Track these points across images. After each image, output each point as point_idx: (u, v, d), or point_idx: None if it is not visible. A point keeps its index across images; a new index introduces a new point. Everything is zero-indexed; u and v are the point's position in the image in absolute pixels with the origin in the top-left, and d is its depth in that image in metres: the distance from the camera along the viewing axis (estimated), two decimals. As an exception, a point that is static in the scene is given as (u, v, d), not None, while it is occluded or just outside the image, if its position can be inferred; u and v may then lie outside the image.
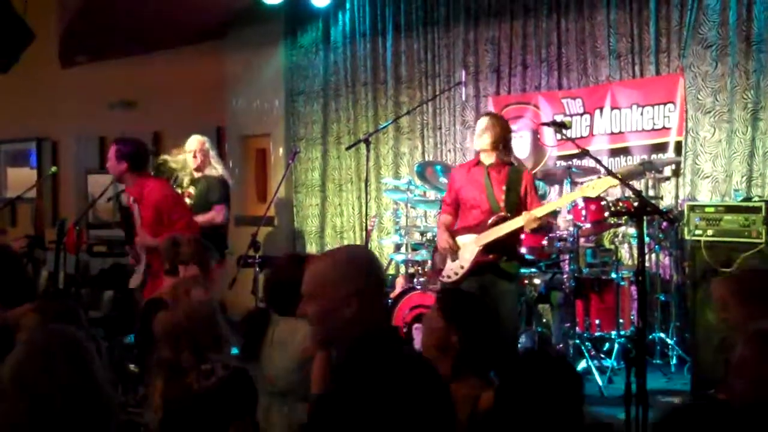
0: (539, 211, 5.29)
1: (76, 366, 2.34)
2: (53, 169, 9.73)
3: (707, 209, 5.73)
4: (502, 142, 5.53)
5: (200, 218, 6.42)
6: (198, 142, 7.02)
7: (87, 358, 2.38)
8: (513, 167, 5.57)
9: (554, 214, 7.09)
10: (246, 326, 3.92)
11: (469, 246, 5.45)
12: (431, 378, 2.25)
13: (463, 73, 8.04)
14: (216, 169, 7.01)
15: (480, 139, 5.54)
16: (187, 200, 6.74)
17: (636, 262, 5.21)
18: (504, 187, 5.43)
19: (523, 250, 6.68)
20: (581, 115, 7.60)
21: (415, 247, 7.16)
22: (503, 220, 5.34)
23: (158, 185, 5.91)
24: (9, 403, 2.29)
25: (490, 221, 5.38)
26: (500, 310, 5.21)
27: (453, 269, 5.51)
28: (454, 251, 5.51)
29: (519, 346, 6.41)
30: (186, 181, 6.99)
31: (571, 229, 6.38)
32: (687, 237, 5.93)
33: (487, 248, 5.37)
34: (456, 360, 3.15)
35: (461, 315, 3.20)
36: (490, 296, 5.27)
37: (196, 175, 6.95)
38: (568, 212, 6.62)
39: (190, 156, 6.91)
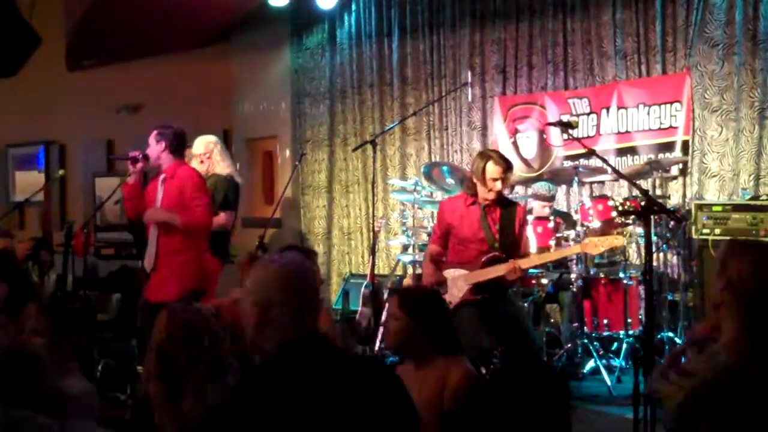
0: (525, 263, 5.30)
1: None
2: (60, 172, 9.77)
3: (715, 208, 5.74)
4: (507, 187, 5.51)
5: None
6: (203, 145, 6.98)
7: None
8: (505, 202, 5.46)
9: (560, 214, 7.11)
10: None
11: (459, 282, 5.35)
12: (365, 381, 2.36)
13: (469, 73, 8.04)
14: (221, 166, 6.96)
15: (493, 188, 5.28)
16: None
17: (643, 261, 5.20)
18: (497, 226, 5.34)
19: (532, 249, 6.72)
20: (588, 114, 7.59)
21: (423, 248, 7.15)
22: (496, 260, 5.26)
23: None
24: None
25: (483, 260, 5.29)
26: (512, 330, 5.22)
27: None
28: (439, 284, 5.36)
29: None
30: None
31: (579, 229, 6.38)
32: (695, 236, 5.93)
33: (477, 288, 5.29)
34: (421, 347, 3.49)
35: (419, 308, 3.54)
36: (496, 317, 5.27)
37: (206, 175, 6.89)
38: (575, 212, 6.62)
39: (197, 162, 6.86)
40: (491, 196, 5.29)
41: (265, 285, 2.51)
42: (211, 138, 7.07)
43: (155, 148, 5.94)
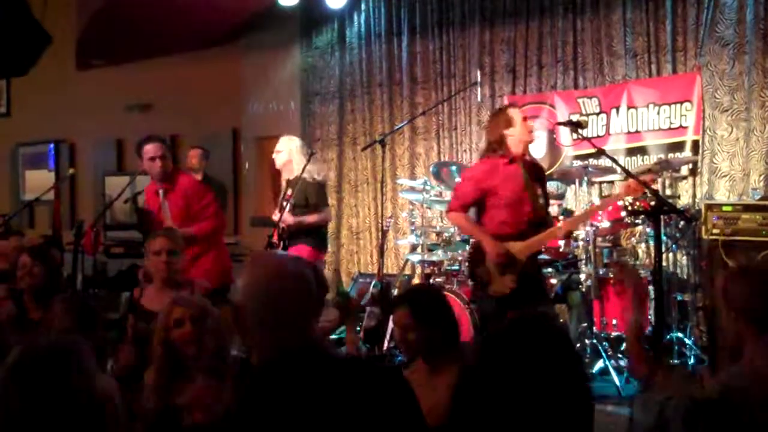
0: (566, 225, 5.17)
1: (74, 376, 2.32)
2: (71, 171, 9.79)
3: (725, 208, 5.71)
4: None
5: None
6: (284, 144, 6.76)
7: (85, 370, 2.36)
8: (533, 160, 5.24)
9: (569, 213, 7.09)
10: None
11: (514, 256, 4.94)
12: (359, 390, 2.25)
13: (479, 73, 8.04)
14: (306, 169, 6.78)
15: (531, 128, 5.14)
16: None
17: (653, 261, 5.18)
18: (538, 185, 5.07)
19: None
20: (597, 114, 7.58)
21: (431, 248, 7.15)
22: (542, 225, 4.99)
23: (186, 176, 6.24)
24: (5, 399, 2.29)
25: (532, 229, 4.97)
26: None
27: (506, 285, 4.94)
28: (506, 261, 4.92)
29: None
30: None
31: (588, 228, 6.36)
32: (704, 236, 5.91)
33: (530, 259, 4.98)
34: (442, 352, 3.42)
35: (434, 315, 3.46)
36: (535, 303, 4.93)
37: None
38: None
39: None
40: (530, 138, 5.09)
41: (258, 287, 2.34)
42: (290, 138, 6.84)
43: (169, 162, 6.00)
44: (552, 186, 7.11)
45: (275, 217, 6.38)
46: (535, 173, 5.13)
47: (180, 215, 5.92)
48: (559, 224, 5.11)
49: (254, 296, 2.31)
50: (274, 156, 6.66)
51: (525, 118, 5.04)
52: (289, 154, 6.57)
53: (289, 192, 6.39)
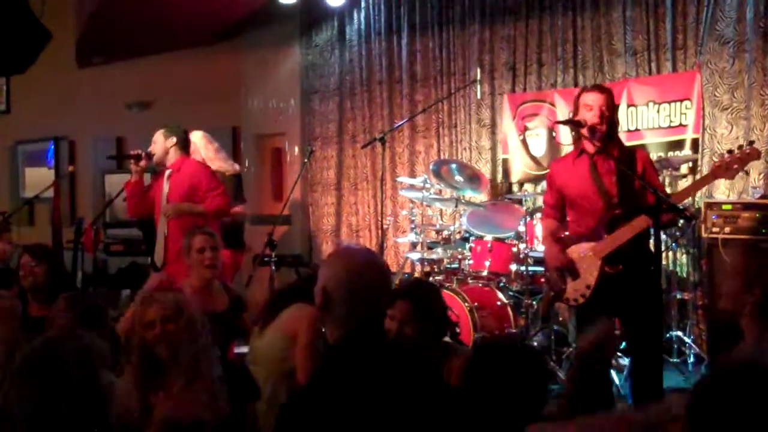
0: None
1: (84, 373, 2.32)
2: (69, 169, 9.80)
3: (724, 207, 5.71)
4: (609, 121, 4.52)
5: None
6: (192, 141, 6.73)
7: (97, 366, 2.37)
8: (622, 149, 4.61)
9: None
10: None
11: (588, 258, 4.46)
12: (417, 371, 2.51)
13: (479, 71, 8.03)
14: (217, 163, 6.88)
15: (589, 120, 4.49)
16: None
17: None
18: (615, 177, 4.45)
19: (541, 247, 6.70)
20: (597, 112, 7.56)
21: (431, 246, 7.15)
22: (620, 220, 4.38)
23: (196, 162, 6.30)
24: (15, 390, 2.30)
25: (606, 225, 4.41)
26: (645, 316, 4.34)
27: (579, 291, 4.50)
28: (569, 268, 4.52)
29: (534, 344, 6.42)
30: None
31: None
32: (704, 235, 5.90)
33: (611, 259, 4.38)
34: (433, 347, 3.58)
35: (430, 311, 3.59)
36: (636, 305, 4.35)
37: None
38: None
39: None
40: (591, 121, 4.46)
41: (329, 274, 2.60)
42: (196, 133, 6.89)
43: (164, 144, 6.04)
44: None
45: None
46: (623, 163, 4.45)
47: (183, 197, 5.96)
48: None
49: (343, 283, 2.55)
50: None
51: (589, 108, 4.50)
52: (193, 146, 6.64)
53: None
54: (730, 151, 4.40)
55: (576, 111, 4.60)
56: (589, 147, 4.53)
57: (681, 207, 4.48)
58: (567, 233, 4.71)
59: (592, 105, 4.48)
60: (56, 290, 4.44)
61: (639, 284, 4.31)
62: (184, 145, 6.19)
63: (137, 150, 6.13)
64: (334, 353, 2.59)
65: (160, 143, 6.06)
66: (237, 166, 7.20)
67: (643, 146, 7.31)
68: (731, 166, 4.35)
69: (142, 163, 6.04)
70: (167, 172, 6.04)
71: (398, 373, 2.45)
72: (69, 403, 2.26)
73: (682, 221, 4.83)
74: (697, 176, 7.04)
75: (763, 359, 1.77)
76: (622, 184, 4.43)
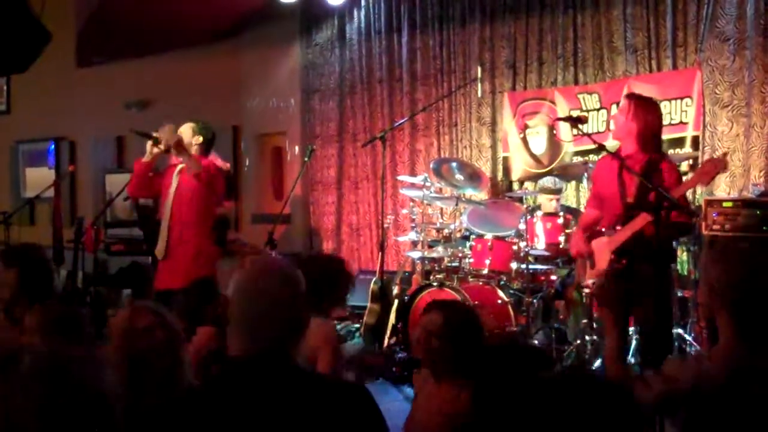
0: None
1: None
2: (69, 168, 9.81)
3: (725, 204, 5.69)
4: (644, 131, 4.72)
5: None
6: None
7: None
8: (653, 158, 4.72)
9: (569, 210, 7.07)
10: None
11: (603, 251, 4.76)
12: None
13: (479, 69, 8.03)
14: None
15: (615, 126, 4.89)
16: None
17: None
18: (636, 182, 4.66)
19: (541, 245, 6.70)
20: (598, 110, 7.57)
21: (432, 244, 7.15)
22: (631, 218, 4.62)
23: (210, 162, 6.27)
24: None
25: (620, 222, 4.69)
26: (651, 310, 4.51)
27: (591, 278, 4.87)
28: (589, 256, 4.85)
29: (536, 343, 6.42)
30: None
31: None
32: (705, 232, 5.89)
33: (619, 252, 4.65)
34: (449, 367, 3.39)
35: (462, 334, 3.43)
36: (640, 299, 4.59)
37: None
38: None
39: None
40: (615, 130, 4.85)
41: (244, 284, 2.37)
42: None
43: (189, 139, 6.05)
44: (548, 181, 7.13)
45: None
46: (648, 168, 4.66)
47: (190, 194, 5.97)
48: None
49: (239, 292, 2.34)
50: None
51: (622, 104, 4.84)
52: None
53: None
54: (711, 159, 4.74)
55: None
56: (625, 149, 4.78)
57: (680, 205, 4.52)
58: (600, 227, 4.91)
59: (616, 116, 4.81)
60: (34, 297, 3.97)
61: (642, 281, 4.47)
62: (208, 147, 6.21)
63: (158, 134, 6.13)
64: (228, 369, 2.42)
65: (187, 137, 6.05)
66: (228, 165, 7.22)
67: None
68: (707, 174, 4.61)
69: (160, 147, 6.00)
70: (179, 167, 6.04)
71: (291, 400, 2.23)
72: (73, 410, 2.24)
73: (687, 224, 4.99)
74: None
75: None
76: (641, 189, 4.62)
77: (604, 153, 5.04)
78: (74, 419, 2.23)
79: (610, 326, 4.63)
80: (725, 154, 5.30)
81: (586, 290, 4.94)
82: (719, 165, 4.56)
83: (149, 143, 6.03)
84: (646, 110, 4.76)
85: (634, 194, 4.67)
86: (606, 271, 4.65)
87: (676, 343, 6.24)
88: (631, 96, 4.98)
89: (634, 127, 4.68)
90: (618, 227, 4.68)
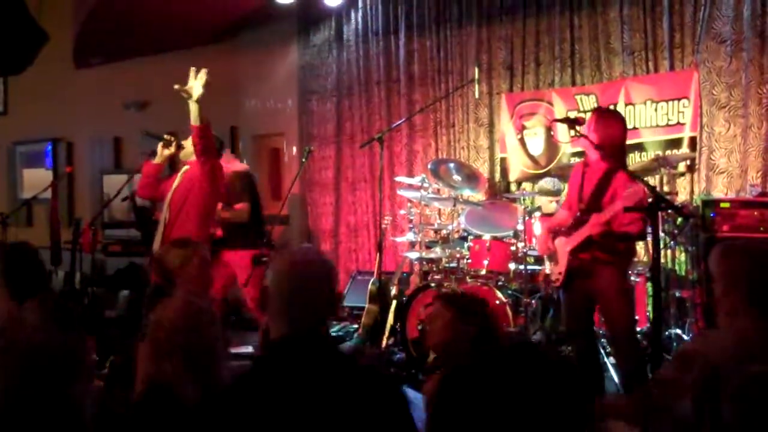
0: (603, 215, 4.82)
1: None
2: (67, 170, 9.81)
3: (722, 205, 5.71)
4: (607, 141, 4.89)
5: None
6: None
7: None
8: (612, 167, 4.92)
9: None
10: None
11: (563, 250, 5.07)
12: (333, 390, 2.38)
13: (476, 70, 8.03)
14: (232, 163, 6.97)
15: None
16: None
17: (651, 258, 5.18)
18: (594, 186, 4.95)
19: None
20: (595, 111, 7.57)
21: (429, 245, 7.15)
22: (582, 223, 4.89)
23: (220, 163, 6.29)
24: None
25: (575, 225, 4.99)
26: (611, 308, 4.90)
27: (554, 274, 5.19)
28: (550, 254, 5.22)
29: (536, 342, 6.42)
30: None
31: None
32: (702, 233, 5.91)
33: (576, 251, 4.94)
34: (462, 361, 3.36)
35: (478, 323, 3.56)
36: (598, 297, 4.93)
37: None
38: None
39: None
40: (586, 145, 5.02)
41: (270, 274, 2.61)
42: None
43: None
44: (548, 183, 7.14)
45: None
46: (606, 178, 4.93)
47: (187, 191, 5.93)
48: (599, 214, 4.85)
49: (280, 280, 2.56)
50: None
51: (589, 118, 5.15)
52: None
53: None
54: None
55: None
56: (588, 157, 5.12)
57: (678, 205, 4.60)
58: (565, 227, 5.20)
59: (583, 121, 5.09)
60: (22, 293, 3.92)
61: (598, 279, 4.86)
62: (220, 151, 6.30)
63: (171, 136, 6.14)
64: (271, 350, 2.60)
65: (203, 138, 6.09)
66: (246, 166, 7.20)
67: (641, 145, 7.34)
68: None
69: (171, 149, 6.02)
70: (184, 168, 6.05)
71: (333, 376, 2.40)
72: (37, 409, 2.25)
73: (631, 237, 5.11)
74: (695, 174, 7.06)
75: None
76: (595, 195, 4.95)
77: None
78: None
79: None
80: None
81: (554, 284, 5.24)
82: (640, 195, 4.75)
83: (160, 145, 6.04)
84: (607, 124, 4.99)
85: (587, 201, 4.98)
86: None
87: (674, 344, 6.26)
88: (596, 110, 5.46)
89: (596, 138, 4.89)
90: (574, 229, 4.98)
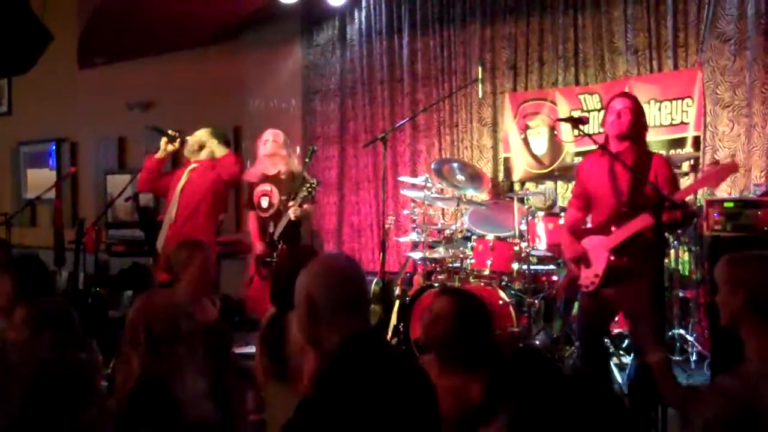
0: (681, 193, 4.68)
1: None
2: (70, 170, 9.83)
3: (726, 204, 5.68)
4: (636, 128, 4.76)
5: None
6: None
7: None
8: (641, 153, 4.76)
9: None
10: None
11: (599, 250, 4.74)
12: (414, 377, 2.47)
13: (480, 69, 8.02)
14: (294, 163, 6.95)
15: (611, 125, 4.76)
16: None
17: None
18: (629, 178, 4.67)
19: (542, 246, 6.70)
20: (599, 110, 7.55)
21: (433, 245, 7.14)
22: (627, 217, 4.62)
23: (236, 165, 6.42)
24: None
25: (615, 221, 4.68)
26: (641, 309, 4.60)
27: (589, 278, 4.79)
28: (583, 257, 4.80)
29: (538, 343, 6.41)
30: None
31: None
32: (706, 232, 5.89)
33: (618, 251, 4.65)
34: (456, 354, 3.41)
35: (473, 319, 3.46)
36: (631, 299, 4.66)
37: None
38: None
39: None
40: (612, 131, 4.73)
41: (310, 281, 2.61)
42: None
43: (207, 139, 6.19)
44: (540, 199, 7.15)
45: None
46: (639, 166, 4.68)
47: (200, 192, 6.01)
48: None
49: (326, 285, 2.58)
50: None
51: (609, 102, 4.87)
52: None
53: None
54: (716, 162, 4.65)
55: (604, 119, 4.91)
56: (612, 147, 4.77)
57: (683, 204, 4.56)
58: (586, 226, 5.03)
59: (613, 110, 4.75)
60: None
61: (641, 280, 4.57)
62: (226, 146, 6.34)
63: (176, 132, 6.15)
64: (337, 358, 2.52)
65: (204, 138, 6.17)
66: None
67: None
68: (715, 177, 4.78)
69: (175, 145, 6.04)
70: (191, 165, 6.05)
71: (400, 374, 2.45)
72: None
73: (685, 223, 4.98)
74: (699, 174, 7.04)
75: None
76: (634, 185, 4.64)
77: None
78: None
79: (649, 339, 4.27)
80: (734, 157, 5.34)
81: (584, 289, 4.83)
82: (731, 170, 4.70)
83: (163, 140, 6.05)
84: (640, 110, 4.84)
85: (628, 193, 4.67)
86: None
87: (678, 344, 6.25)
88: (626, 95, 5.02)
89: (630, 125, 4.70)
90: (613, 227, 4.67)
